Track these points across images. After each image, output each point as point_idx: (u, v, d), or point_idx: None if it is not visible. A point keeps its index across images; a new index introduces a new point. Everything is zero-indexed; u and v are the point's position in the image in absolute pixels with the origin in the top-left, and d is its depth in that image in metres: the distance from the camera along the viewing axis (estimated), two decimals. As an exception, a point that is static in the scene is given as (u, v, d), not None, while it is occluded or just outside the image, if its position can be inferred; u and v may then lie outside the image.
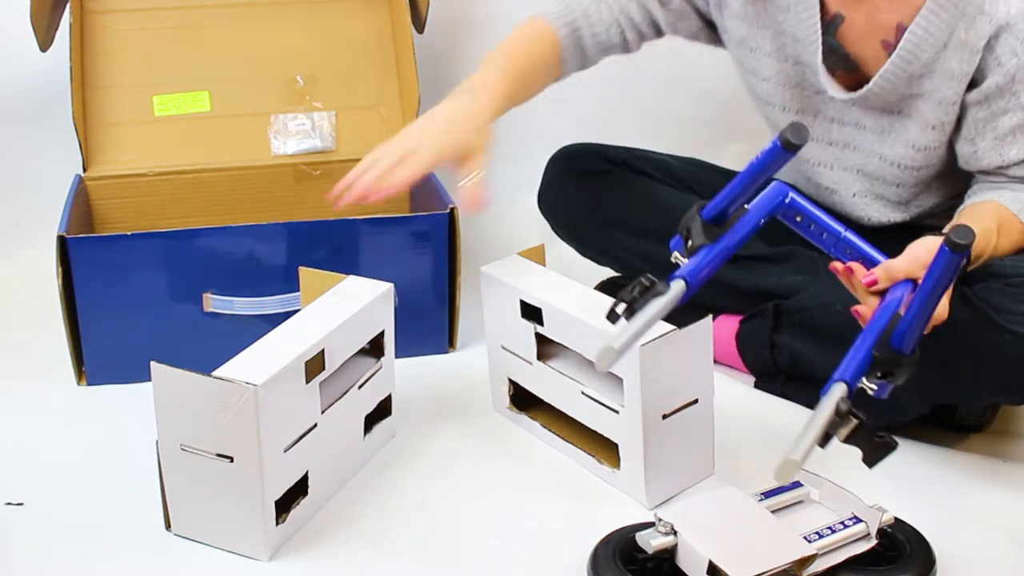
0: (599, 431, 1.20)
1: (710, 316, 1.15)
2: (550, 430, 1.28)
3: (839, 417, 0.94)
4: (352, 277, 1.23)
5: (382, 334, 1.22)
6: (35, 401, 1.36)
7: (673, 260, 1.11)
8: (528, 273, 1.27)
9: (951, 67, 1.23)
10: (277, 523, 1.07)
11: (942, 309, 1.08)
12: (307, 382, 1.09)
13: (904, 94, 1.28)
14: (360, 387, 1.19)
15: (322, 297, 1.19)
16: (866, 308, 1.10)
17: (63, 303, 1.34)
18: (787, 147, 0.99)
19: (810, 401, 1.36)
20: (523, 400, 1.32)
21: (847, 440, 0.96)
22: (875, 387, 1.03)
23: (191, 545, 1.09)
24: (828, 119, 1.37)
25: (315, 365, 1.10)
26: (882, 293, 1.10)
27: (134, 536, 1.10)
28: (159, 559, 1.07)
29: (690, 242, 1.09)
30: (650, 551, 0.99)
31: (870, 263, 1.12)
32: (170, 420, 1.04)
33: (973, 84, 1.24)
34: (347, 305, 1.17)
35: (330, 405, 1.13)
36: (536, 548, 1.10)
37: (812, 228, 1.15)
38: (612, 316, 1.02)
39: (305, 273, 1.25)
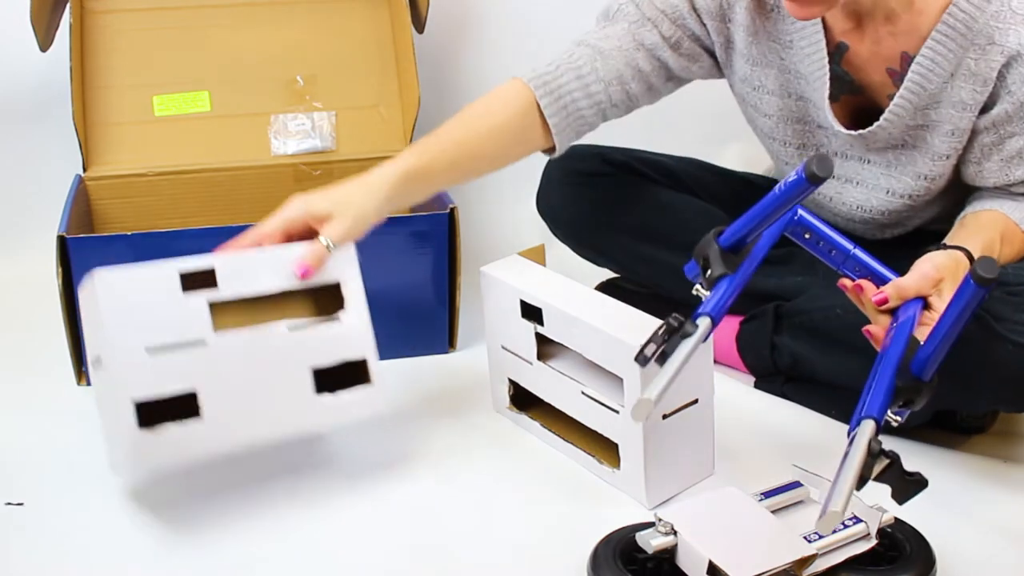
0: (599, 431, 1.20)
1: (709, 318, 1.13)
2: (550, 430, 1.28)
3: (871, 457, 0.93)
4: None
5: (338, 286, 1.17)
6: (35, 401, 1.36)
7: (695, 292, 1.09)
8: (528, 273, 1.27)
9: (961, 97, 1.23)
10: (140, 428, 1.04)
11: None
12: (184, 292, 1.09)
13: (911, 125, 1.28)
14: (292, 330, 1.14)
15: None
16: (878, 328, 1.10)
17: (63, 303, 1.34)
18: (812, 180, 0.95)
19: (810, 402, 1.37)
20: (523, 400, 1.32)
21: (878, 478, 0.95)
22: (898, 418, 1.02)
23: (193, 544, 1.09)
24: (831, 154, 1.36)
25: (200, 279, 1.09)
26: (892, 311, 1.10)
27: (134, 536, 1.10)
28: (160, 558, 1.07)
29: (709, 271, 1.07)
30: (650, 551, 0.99)
31: (880, 280, 1.12)
32: (87, 333, 1.12)
33: (983, 111, 1.24)
34: (279, 249, 1.15)
35: (228, 328, 1.11)
36: (536, 548, 1.10)
37: (821, 245, 1.15)
38: (642, 359, 1.00)
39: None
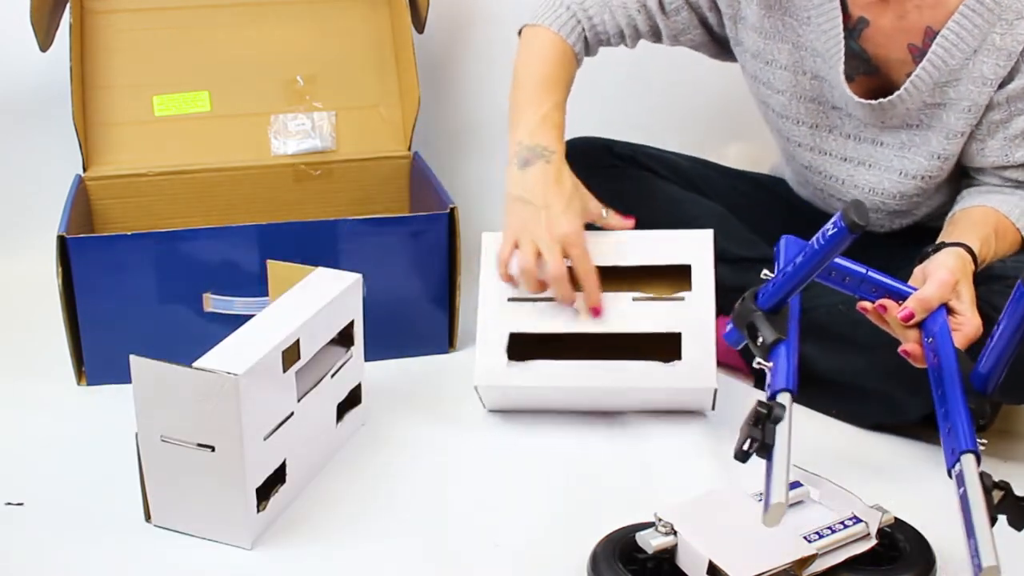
0: (658, 330, 1.24)
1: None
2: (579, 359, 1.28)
3: (987, 492, 0.91)
4: (320, 269, 1.25)
5: (351, 324, 1.24)
6: (35, 401, 1.36)
7: (756, 366, 1.06)
8: None
9: (983, 72, 1.22)
10: (258, 511, 1.09)
11: (977, 325, 1.10)
12: (284, 371, 1.11)
13: (928, 103, 1.27)
14: (333, 376, 1.21)
15: (292, 289, 1.21)
16: (913, 346, 1.10)
17: (63, 303, 1.34)
18: (853, 229, 0.92)
19: (812, 401, 1.36)
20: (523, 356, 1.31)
21: (995, 511, 0.92)
22: (984, 441, 0.98)
23: (193, 543, 1.09)
24: (844, 135, 1.36)
25: (291, 355, 1.12)
26: (919, 324, 1.10)
27: (134, 536, 1.10)
28: (160, 558, 1.07)
29: (761, 339, 1.05)
30: (650, 551, 0.99)
31: (899, 296, 1.11)
32: (149, 412, 1.06)
33: (1000, 86, 1.23)
34: (318, 296, 1.18)
35: (305, 393, 1.16)
36: (536, 548, 1.10)
37: (834, 275, 1.13)
38: (742, 456, 0.97)
39: (273, 266, 1.26)
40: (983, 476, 0.92)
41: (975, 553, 0.86)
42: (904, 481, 1.23)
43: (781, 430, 0.96)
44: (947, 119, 1.27)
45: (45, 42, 1.58)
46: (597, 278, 1.26)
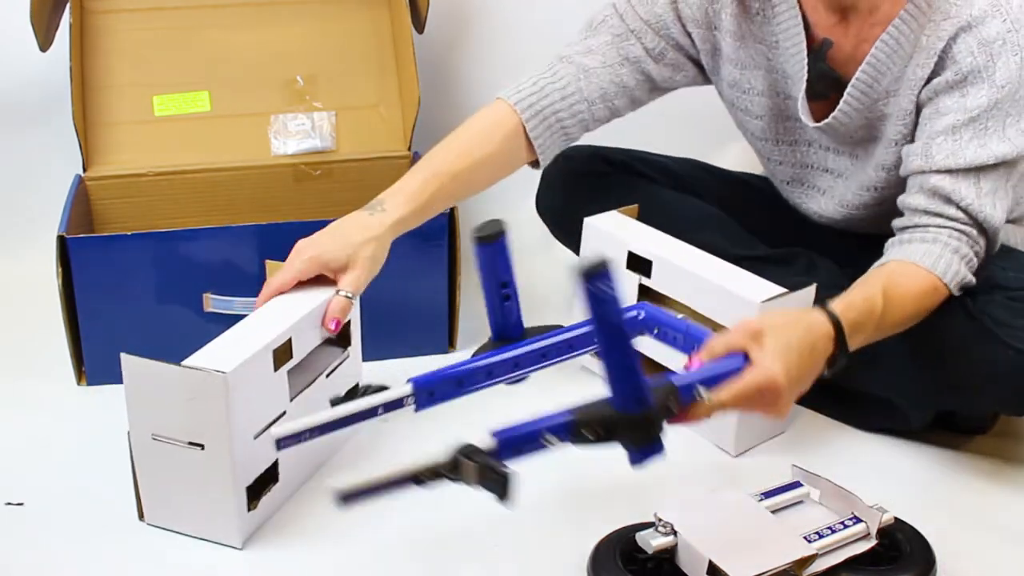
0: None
1: (815, 284, 1.19)
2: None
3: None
4: None
5: (347, 324, 1.23)
6: (35, 401, 1.36)
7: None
8: (631, 228, 1.35)
9: (917, 75, 1.21)
10: (249, 509, 1.09)
11: (757, 378, 0.99)
12: (275, 370, 1.10)
13: (870, 117, 1.26)
14: (328, 376, 1.21)
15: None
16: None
17: (63, 303, 1.34)
18: (477, 240, 1.07)
19: (811, 402, 1.36)
20: None
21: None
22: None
23: (192, 543, 1.09)
24: (806, 145, 1.37)
25: (283, 354, 1.12)
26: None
27: (134, 536, 1.10)
28: (160, 558, 1.07)
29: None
30: (650, 551, 0.99)
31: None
32: (141, 410, 1.06)
33: (926, 84, 1.21)
34: (313, 296, 1.18)
35: (298, 393, 1.15)
36: (536, 548, 1.10)
37: (657, 332, 1.19)
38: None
39: (272, 266, 1.26)
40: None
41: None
42: (904, 481, 1.23)
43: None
44: (888, 130, 1.26)
45: (45, 42, 1.58)
46: (272, 293, 1.18)
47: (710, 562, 0.96)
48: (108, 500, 1.16)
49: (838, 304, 1.07)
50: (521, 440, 0.95)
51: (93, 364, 1.39)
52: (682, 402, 0.95)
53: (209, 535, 1.09)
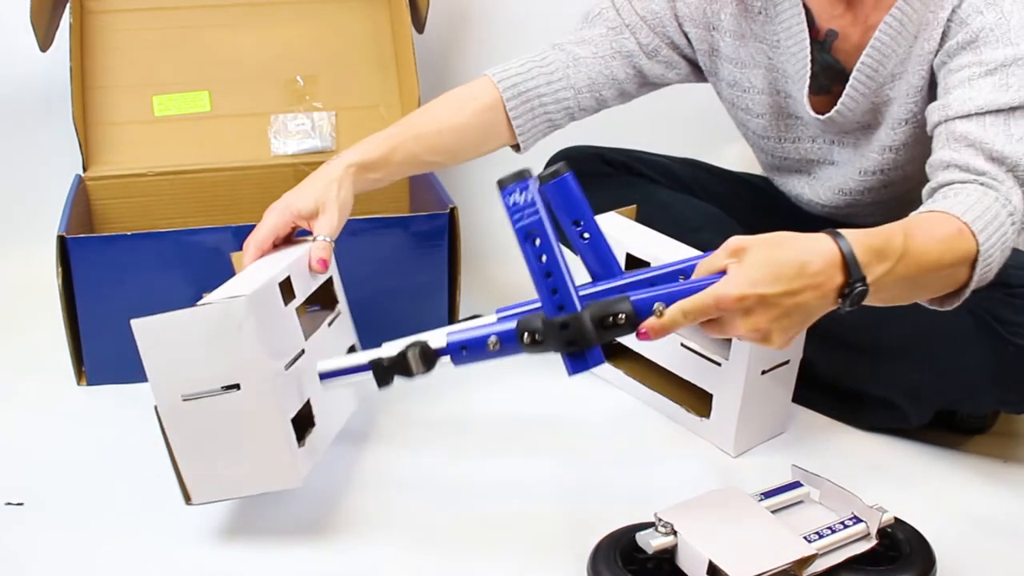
0: (695, 382, 1.28)
1: None
2: (636, 379, 1.36)
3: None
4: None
5: (330, 282, 1.24)
6: (35, 401, 1.36)
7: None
8: (630, 229, 1.35)
9: (924, 49, 1.20)
10: (299, 444, 1.06)
11: (724, 288, 0.92)
12: (285, 304, 1.09)
13: (875, 103, 1.26)
14: (330, 324, 1.21)
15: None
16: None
17: (63, 303, 1.34)
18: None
19: (811, 402, 1.36)
20: None
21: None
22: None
23: (192, 542, 1.09)
24: (809, 140, 1.37)
25: (287, 290, 1.10)
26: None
27: (135, 535, 1.10)
28: (160, 557, 1.08)
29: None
30: (650, 551, 0.99)
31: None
32: (165, 374, 1.01)
33: (936, 53, 1.19)
34: (291, 251, 1.18)
35: (311, 333, 1.14)
36: (536, 548, 1.10)
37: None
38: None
39: (236, 257, 1.25)
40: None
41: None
42: (904, 481, 1.23)
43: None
44: (893, 112, 1.26)
45: (45, 42, 1.58)
46: (252, 252, 1.19)
47: (710, 562, 0.96)
48: (108, 500, 1.16)
49: (850, 232, 0.95)
50: (470, 342, 1.00)
51: (93, 364, 1.39)
52: (639, 316, 0.95)
53: (266, 485, 1.04)
